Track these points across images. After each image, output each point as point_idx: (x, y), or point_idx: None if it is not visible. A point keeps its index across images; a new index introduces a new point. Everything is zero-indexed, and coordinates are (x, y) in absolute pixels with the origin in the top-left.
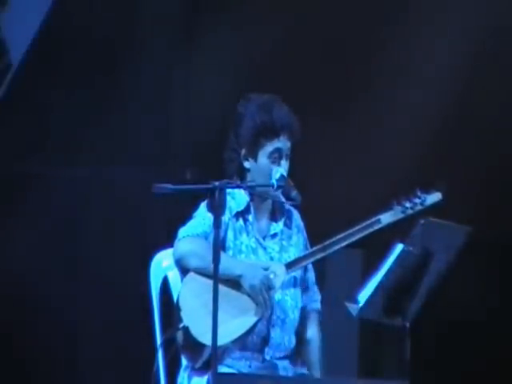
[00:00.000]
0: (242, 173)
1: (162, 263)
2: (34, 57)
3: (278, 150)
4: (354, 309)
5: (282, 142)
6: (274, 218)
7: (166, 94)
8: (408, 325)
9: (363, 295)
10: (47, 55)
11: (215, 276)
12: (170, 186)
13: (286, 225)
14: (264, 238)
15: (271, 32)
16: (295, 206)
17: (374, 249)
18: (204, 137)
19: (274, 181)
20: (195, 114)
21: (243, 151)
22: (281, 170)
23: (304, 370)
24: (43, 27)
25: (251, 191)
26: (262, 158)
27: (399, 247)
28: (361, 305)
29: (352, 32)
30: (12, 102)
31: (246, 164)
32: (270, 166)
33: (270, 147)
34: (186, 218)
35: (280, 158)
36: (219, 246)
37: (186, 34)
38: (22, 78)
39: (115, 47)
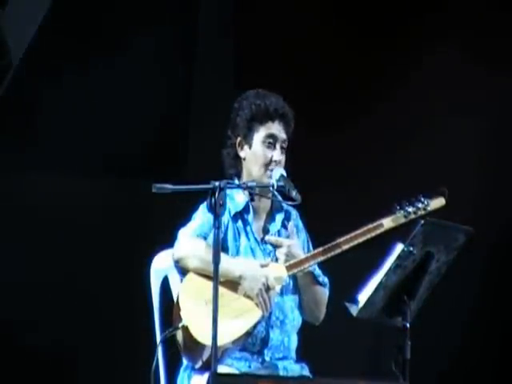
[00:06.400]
0: (238, 165)
1: (162, 263)
2: (34, 57)
3: (272, 135)
4: (354, 309)
5: (277, 128)
6: (272, 218)
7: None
8: (408, 325)
9: (363, 295)
10: (47, 55)
11: (215, 276)
12: (170, 186)
13: (283, 225)
14: (262, 240)
15: None
16: (295, 206)
17: (374, 249)
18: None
19: (273, 181)
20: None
21: (238, 139)
22: (281, 170)
23: (306, 371)
24: (43, 27)
25: (251, 191)
26: (257, 143)
27: (399, 247)
28: (361, 305)
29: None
30: (12, 101)
31: (242, 153)
32: (265, 151)
33: (263, 131)
34: (185, 218)
35: (274, 143)
36: (219, 245)
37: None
38: (22, 77)
39: (114, 46)
